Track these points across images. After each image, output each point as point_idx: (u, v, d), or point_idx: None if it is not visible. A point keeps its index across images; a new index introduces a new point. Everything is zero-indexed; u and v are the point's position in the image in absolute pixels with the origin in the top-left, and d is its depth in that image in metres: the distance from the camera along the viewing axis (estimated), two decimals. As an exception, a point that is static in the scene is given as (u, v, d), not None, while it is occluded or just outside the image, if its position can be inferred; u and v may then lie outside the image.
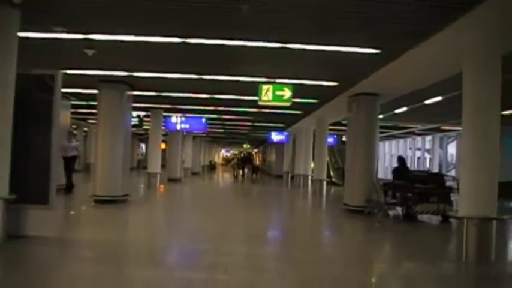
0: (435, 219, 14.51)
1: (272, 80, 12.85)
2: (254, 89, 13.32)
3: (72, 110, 24.10)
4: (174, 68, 13.16)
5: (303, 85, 13.72)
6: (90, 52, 11.31)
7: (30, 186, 8.99)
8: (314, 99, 17.75)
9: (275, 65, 12.23)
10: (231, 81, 14.24)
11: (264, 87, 12.62)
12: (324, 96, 16.83)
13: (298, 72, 12.92)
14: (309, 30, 9.17)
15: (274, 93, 12.56)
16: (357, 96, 15.92)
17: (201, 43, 10.10)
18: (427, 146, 37.63)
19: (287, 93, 12.59)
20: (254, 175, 40.58)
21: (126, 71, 13.83)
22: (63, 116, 19.44)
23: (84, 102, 21.13)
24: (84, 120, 32.37)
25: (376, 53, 10.26)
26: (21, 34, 8.74)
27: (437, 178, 15.35)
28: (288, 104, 12.90)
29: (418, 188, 14.15)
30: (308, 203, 21.80)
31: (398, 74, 12.45)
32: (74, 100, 20.30)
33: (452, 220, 14.05)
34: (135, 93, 17.03)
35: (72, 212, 14.21)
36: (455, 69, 10.15)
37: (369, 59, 10.86)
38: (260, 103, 13.05)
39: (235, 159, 36.01)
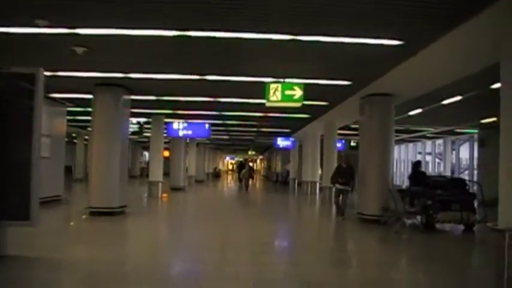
0: (456, 229, 13.40)
1: (281, 80, 11.70)
2: (260, 90, 12.29)
3: (70, 117, 23.30)
4: (174, 68, 12.14)
5: (313, 85, 12.58)
6: (79, 50, 10.32)
7: (7, 200, 7.96)
8: (324, 101, 16.67)
9: (283, 63, 11.17)
10: (235, 82, 13.17)
11: (272, 86, 11.47)
12: (335, 97, 15.76)
13: (308, 71, 11.82)
14: (323, 18, 8.05)
15: (283, 93, 11.40)
16: (370, 97, 14.87)
17: (202, 36, 9.03)
18: (437, 149, 36.47)
19: (298, 92, 11.42)
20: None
21: (122, 72, 12.84)
22: (59, 123, 18.60)
23: (81, 109, 20.08)
24: (84, 128, 31.34)
25: (398, 45, 9.13)
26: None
27: (459, 183, 14.18)
28: (298, 104, 11.74)
29: (439, 195, 13.02)
30: (319, 212, 20.58)
31: (418, 71, 11.38)
32: (70, 106, 19.31)
33: (476, 229, 13.06)
34: (134, 97, 16.06)
35: (62, 227, 13.05)
36: (487, 60, 9.07)
37: (389, 53, 9.78)
38: (268, 104, 11.88)
39: (247, 167, 33.62)
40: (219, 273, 7.75)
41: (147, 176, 25.54)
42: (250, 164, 47.29)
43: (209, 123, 23.29)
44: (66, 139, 36.19)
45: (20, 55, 10.51)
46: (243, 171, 34.08)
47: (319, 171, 29.20)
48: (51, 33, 9.03)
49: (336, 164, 19.41)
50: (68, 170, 33.72)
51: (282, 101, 11.46)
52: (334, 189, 16.57)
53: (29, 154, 8.05)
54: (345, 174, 15.82)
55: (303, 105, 12.19)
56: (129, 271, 7.92)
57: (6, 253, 7.99)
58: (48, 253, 8.80)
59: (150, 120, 23.42)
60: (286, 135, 33.06)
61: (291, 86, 11.48)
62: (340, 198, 15.83)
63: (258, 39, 9.01)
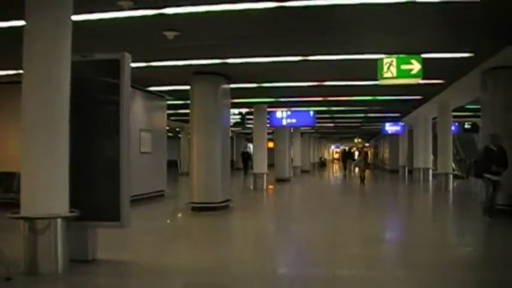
0: None
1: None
2: (369, 69, 10.97)
3: (172, 112, 23.01)
4: (273, 48, 11.01)
5: (427, 60, 10.98)
6: (170, 35, 9.47)
7: (97, 200, 7.22)
8: (439, 79, 14.97)
9: (394, 35, 9.74)
10: (341, 61, 11.84)
11: (386, 61, 10.06)
12: (452, 73, 14.00)
13: (424, 42, 10.29)
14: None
15: (398, 68, 9.97)
16: (495, 71, 13.03)
17: (304, 6, 7.84)
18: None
19: (415, 66, 9.95)
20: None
21: (218, 57, 11.92)
22: (159, 118, 18.24)
23: (181, 102, 19.57)
24: (187, 121, 31.11)
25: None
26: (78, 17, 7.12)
27: None
28: (416, 80, 10.26)
29: None
30: (439, 202, 18.37)
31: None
32: (170, 99, 18.89)
33: None
34: (233, 86, 15.21)
35: (159, 225, 12.24)
36: None
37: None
38: (381, 82, 10.51)
39: (362, 154, 30.19)
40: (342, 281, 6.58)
41: (252, 167, 24.92)
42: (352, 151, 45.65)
43: (314, 111, 22.10)
44: (171, 134, 37.12)
45: (106, 45, 9.80)
46: (357, 159, 31.88)
47: (431, 157, 27.89)
48: (138, 16, 8.21)
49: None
50: (174, 164, 33.94)
51: (397, 77, 10.05)
52: (482, 181, 12.26)
53: (118, 149, 7.21)
54: (499, 159, 11.83)
55: (415, 85, 10.72)
56: (234, 279, 6.82)
57: (96, 257, 7.28)
58: (140, 256, 7.99)
59: (252, 110, 22.62)
60: (395, 120, 31.26)
61: (407, 60, 10.04)
62: (489, 191, 11.87)
63: (365, 3, 7.72)
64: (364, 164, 27.74)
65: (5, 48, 7.80)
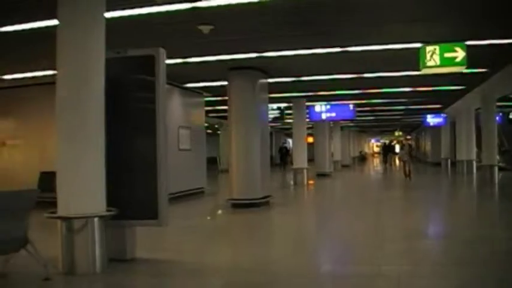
0: None
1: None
2: (411, 59, 10.61)
3: (211, 108, 22.97)
4: (311, 39, 10.73)
5: (471, 48, 10.53)
6: (206, 29, 9.33)
7: (134, 198, 7.12)
8: (483, 67, 14.45)
9: (436, 22, 9.37)
10: (381, 52, 11.50)
11: (429, 49, 9.67)
12: (498, 60, 13.48)
13: (468, 28, 9.88)
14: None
15: (442, 56, 9.57)
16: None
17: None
18: None
19: (460, 54, 9.52)
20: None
21: (255, 51, 11.73)
22: (198, 114, 18.20)
23: (219, 98, 19.47)
24: (226, 118, 31.10)
25: None
26: (112, 14, 7.16)
27: None
28: (461, 68, 9.84)
29: None
30: (486, 196, 17.52)
31: None
32: (208, 96, 18.83)
33: None
34: (271, 80, 15.00)
35: (198, 222, 12.06)
36: None
37: None
38: (424, 71, 10.13)
39: (406, 147, 27.75)
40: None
41: (291, 163, 24.69)
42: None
43: (353, 104, 21.70)
44: (210, 130, 37.17)
45: (141, 43, 9.70)
46: (400, 152, 30.65)
47: (475, 149, 27.39)
48: (171, 10, 8.08)
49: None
50: (213, 161, 33.97)
51: (441, 65, 9.66)
52: None
53: (154, 146, 7.09)
54: None
55: (458, 74, 10.28)
56: (276, 278, 6.55)
57: (134, 255, 7.17)
58: (180, 255, 7.83)
59: (291, 104, 22.37)
60: (436, 112, 30.60)
61: (451, 48, 9.63)
62: None
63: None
64: (408, 157, 26.72)
65: (44, 48, 7.76)
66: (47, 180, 13.17)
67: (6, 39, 9.49)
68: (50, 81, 11.31)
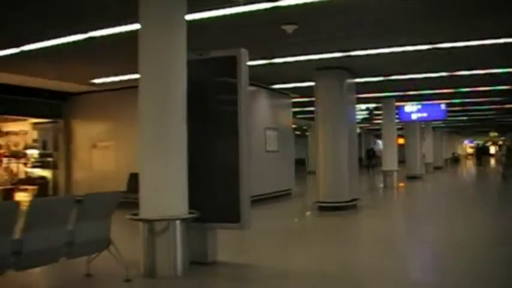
0: None
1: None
2: (507, 54, 9.96)
3: (299, 109, 22.80)
4: (400, 36, 10.27)
5: None
6: (290, 29, 9.15)
7: (216, 201, 7.06)
8: None
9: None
10: (473, 48, 10.87)
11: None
12: None
13: None
14: None
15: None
16: None
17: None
18: None
19: None
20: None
21: (341, 50, 11.41)
22: (285, 116, 18.11)
23: (307, 99, 19.25)
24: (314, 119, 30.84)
25: None
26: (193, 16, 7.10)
27: None
28: None
29: None
30: None
31: None
32: (295, 97, 18.68)
33: None
34: (359, 80, 14.64)
35: (284, 225, 11.85)
36: None
37: None
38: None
39: (505, 148, 25.79)
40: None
41: (380, 164, 24.11)
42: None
43: (445, 103, 20.83)
44: (298, 132, 37.01)
45: (223, 45, 9.68)
46: (500, 153, 29.21)
47: None
48: (253, 10, 7.95)
49: None
50: (302, 162, 33.78)
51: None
52: None
53: (236, 148, 7.00)
54: None
55: None
56: (363, 286, 6.32)
57: (216, 259, 7.11)
58: (262, 259, 7.70)
59: (380, 105, 21.81)
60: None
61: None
62: None
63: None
64: (507, 159, 25.19)
65: (128, 52, 7.89)
66: (135, 181, 13.55)
67: (94, 44, 9.72)
68: (136, 85, 11.68)
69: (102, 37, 9.22)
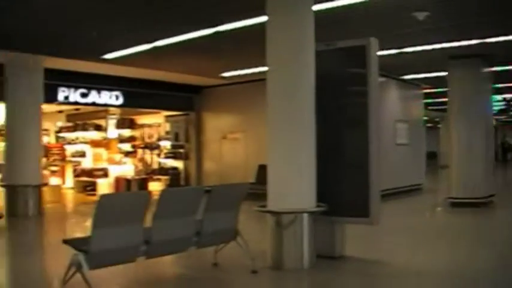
0: None
1: None
2: None
3: (431, 101, 21.98)
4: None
5: None
6: (421, 15, 8.75)
7: (343, 195, 6.93)
8: None
9: None
10: None
11: None
12: None
13: None
14: None
15: None
16: None
17: None
18: None
19: None
20: None
21: (476, 38, 10.74)
22: (416, 107, 17.56)
23: (440, 89, 18.46)
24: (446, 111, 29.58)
25: None
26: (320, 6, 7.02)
27: None
28: None
29: None
30: None
31: None
32: (426, 88, 17.98)
33: None
34: (496, 69, 13.75)
35: (413, 221, 11.39)
36: None
37: None
38: None
39: None
40: None
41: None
42: None
43: None
44: (430, 124, 35.63)
45: (353, 34, 9.49)
46: None
47: None
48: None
49: None
50: (433, 156, 32.58)
51: None
52: None
53: (365, 141, 6.81)
54: None
55: None
56: None
57: (343, 253, 6.99)
58: (391, 255, 7.45)
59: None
60: None
61: None
62: None
63: None
64: None
65: (257, 45, 7.94)
66: (264, 173, 13.73)
67: (221, 38, 9.91)
68: (264, 78, 11.81)
69: (229, 31, 9.37)
